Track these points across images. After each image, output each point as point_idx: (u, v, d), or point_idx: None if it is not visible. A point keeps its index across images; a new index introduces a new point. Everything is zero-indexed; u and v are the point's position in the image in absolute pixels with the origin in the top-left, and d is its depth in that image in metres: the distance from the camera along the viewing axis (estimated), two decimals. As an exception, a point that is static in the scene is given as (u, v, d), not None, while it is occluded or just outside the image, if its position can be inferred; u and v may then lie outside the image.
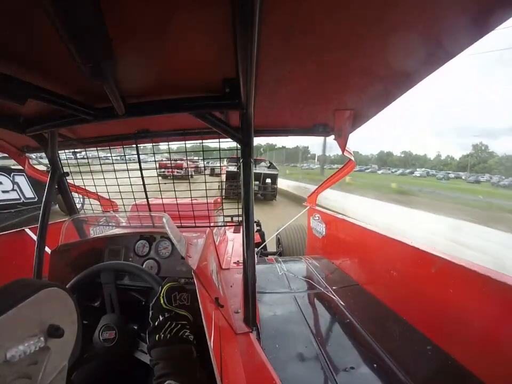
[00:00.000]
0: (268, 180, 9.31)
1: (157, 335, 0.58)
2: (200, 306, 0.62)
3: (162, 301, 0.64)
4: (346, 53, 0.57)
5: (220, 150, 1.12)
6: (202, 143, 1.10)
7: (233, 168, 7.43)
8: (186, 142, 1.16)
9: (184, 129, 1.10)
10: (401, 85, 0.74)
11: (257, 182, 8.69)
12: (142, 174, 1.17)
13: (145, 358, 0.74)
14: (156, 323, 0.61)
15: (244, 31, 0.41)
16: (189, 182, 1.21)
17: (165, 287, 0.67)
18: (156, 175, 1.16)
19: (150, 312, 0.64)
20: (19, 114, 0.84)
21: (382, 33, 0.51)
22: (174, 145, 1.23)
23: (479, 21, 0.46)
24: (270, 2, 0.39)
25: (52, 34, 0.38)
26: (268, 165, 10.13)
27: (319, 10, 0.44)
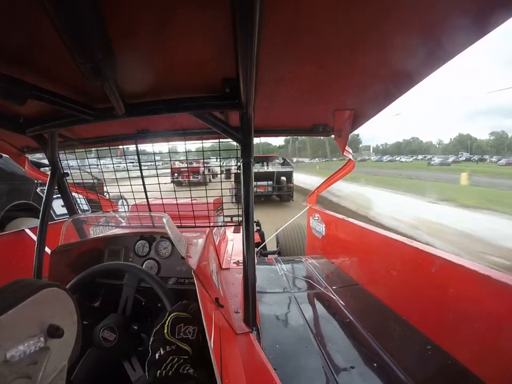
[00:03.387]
0: (283, 178, 8.29)
1: (158, 371, 0.54)
2: (200, 306, 0.62)
3: (166, 331, 0.59)
4: (346, 53, 0.57)
5: (219, 150, 1.12)
6: (202, 143, 1.11)
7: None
8: (186, 142, 1.16)
9: (184, 129, 1.10)
10: (401, 85, 0.74)
11: (271, 182, 7.84)
12: (142, 174, 1.17)
13: (132, 373, 0.74)
14: (157, 356, 0.56)
15: (244, 31, 0.41)
16: (189, 184, 1.21)
17: (171, 316, 0.62)
18: (156, 175, 1.16)
19: (151, 339, 0.60)
20: (19, 114, 0.84)
21: (382, 33, 0.51)
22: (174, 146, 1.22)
23: (479, 21, 0.46)
24: (270, 2, 0.39)
25: (52, 34, 0.38)
26: (281, 161, 9.19)
27: (319, 11, 0.44)
